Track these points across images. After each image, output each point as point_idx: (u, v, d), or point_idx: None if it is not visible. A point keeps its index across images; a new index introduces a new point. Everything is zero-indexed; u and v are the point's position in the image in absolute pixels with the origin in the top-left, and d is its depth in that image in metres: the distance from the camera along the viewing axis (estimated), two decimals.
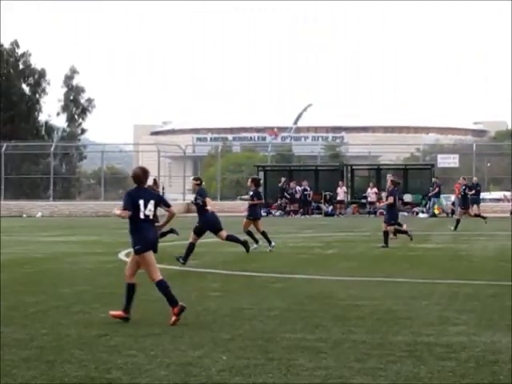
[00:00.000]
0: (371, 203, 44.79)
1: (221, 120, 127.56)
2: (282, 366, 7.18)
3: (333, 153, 71.79)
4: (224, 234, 17.90)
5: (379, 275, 14.31)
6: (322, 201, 46.11)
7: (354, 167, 51.33)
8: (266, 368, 7.10)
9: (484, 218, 30.20)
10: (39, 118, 72.92)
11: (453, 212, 40.82)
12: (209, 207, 17.48)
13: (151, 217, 9.74)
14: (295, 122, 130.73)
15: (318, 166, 53.39)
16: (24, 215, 45.39)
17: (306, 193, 45.86)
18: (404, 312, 10.18)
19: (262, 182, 46.99)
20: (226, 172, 63.13)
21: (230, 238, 18.34)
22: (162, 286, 9.71)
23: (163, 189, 56.13)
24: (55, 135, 73.20)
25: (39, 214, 44.63)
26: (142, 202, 9.65)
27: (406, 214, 44.37)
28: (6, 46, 70.97)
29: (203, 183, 18.35)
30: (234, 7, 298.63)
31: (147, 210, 9.66)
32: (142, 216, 9.63)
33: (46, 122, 73.18)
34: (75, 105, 75.08)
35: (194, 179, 18.29)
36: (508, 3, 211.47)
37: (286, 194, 46.38)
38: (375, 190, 45.21)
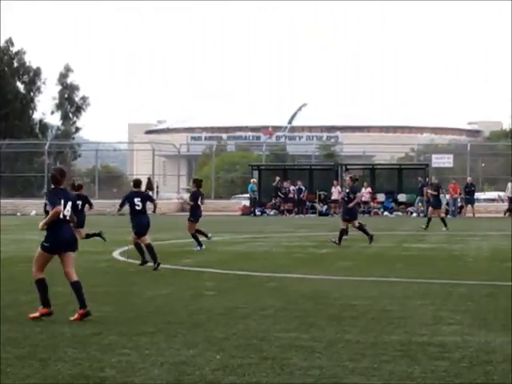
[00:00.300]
0: (365, 203, 44.79)
1: (215, 119, 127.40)
2: (275, 365, 7.18)
3: (327, 152, 71.72)
4: (147, 239, 16.21)
5: (374, 275, 14.32)
6: (317, 200, 46.11)
7: (348, 167, 51.34)
8: (260, 367, 7.10)
9: (445, 225, 28.45)
10: (33, 116, 72.81)
11: (447, 212, 40.82)
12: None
13: (68, 217, 9.81)
14: (290, 122, 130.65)
15: (312, 165, 53.39)
16: (18, 213, 45.33)
17: (301, 192, 45.87)
18: (398, 312, 10.19)
19: (256, 181, 47.24)
20: (220, 171, 63.08)
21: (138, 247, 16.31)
22: (76, 286, 9.76)
23: (157, 187, 56.12)
24: (49, 133, 73.11)
25: (33, 213, 44.49)
26: (62, 202, 9.72)
27: (400, 213, 44.46)
28: (1, 43, 70.85)
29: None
30: (230, 6, 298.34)
31: (65, 210, 9.75)
32: (61, 216, 9.68)
33: (41, 120, 73.09)
34: (70, 103, 75.00)
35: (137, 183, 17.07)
36: (507, 3, 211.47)
37: (279, 193, 46.37)
38: (369, 189, 45.23)
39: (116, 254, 18.59)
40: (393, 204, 45.77)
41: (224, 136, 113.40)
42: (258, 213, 45.15)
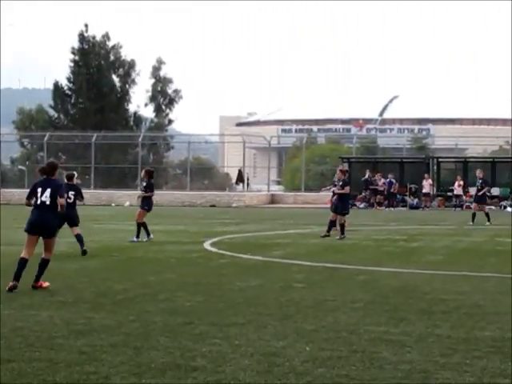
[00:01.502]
0: (457, 196, 44.13)
1: (306, 111, 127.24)
2: (365, 358, 7.16)
3: (419, 145, 70.86)
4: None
5: (465, 269, 14.12)
6: (408, 193, 45.65)
7: (440, 160, 50.63)
8: (350, 360, 7.10)
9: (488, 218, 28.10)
10: (128, 109, 74.06)
11: None
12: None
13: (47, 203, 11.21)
14: (381, 114, 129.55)
15: (403, 158, 52.82)
16: (113, 204, 46.22)
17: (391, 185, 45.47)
18: (491, 307, 10.03)
19: (347, 173, 46.94)
20: (310, 164, 62.97)
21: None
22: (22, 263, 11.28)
23: (248, 179, 56.42)
24: (143, 126, 74.23)
25: (127, 203, 45.31)
26: (39, 190, 11.27)
27: (493, 207, 43.63)
28: (98, 38, 72.26)
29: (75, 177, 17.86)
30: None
31: (43, 196, 11.22)
32: (38, 202, 11.23)
33: (135, 113, 74.29)
34: (163, 96, 75.97)
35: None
36: None
37: (370, 186, 46.07)
38: (462, 183, 44.51)
39: (207, 245, 18.80)
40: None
41: (314, 128, 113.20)
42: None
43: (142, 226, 19.91)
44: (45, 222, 11.31)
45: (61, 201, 11.29)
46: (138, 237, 19.77)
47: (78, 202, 17.20)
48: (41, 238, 11.51)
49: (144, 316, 9.20)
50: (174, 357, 7.17)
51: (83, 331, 8.27)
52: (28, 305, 9.95)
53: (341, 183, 21.65)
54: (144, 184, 20.71)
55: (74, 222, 16.90)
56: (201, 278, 12.82)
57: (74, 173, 18.16)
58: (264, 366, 6.88)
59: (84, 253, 16.33)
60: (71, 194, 16.82)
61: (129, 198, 47.63)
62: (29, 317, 9.08)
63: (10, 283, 11.11)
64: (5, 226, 26.41)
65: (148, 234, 19.87)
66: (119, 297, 10.70)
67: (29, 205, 11.54)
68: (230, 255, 16.55)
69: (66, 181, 17.11)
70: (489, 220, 27.76)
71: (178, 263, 15.08)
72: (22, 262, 11.28)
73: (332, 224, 21.45)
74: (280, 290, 11.41)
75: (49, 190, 11.28)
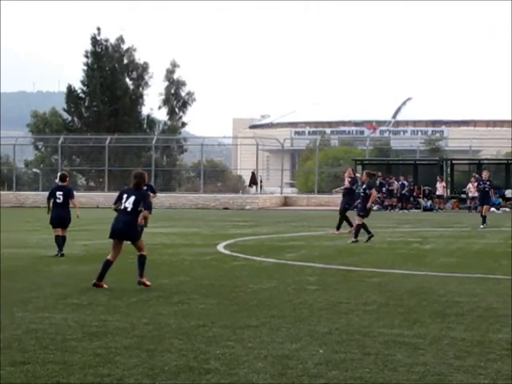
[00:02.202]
0: (473, 199, 44.00)
1: (319, 114, 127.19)
2: (379, 361, 7.16)
3: (432, 147, 70.70)
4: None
5: (479, 271, 14.08)
6: (421, 195, 45.56)
7: (453, 162, 50.51)
8: (363, 363, 7.09)
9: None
10: (142, 112, 74.22)
11: None
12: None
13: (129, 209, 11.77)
14: (394, 116, 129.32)
15: (416, 160, 52.72)
16: None
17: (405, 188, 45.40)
18: (505, 309, 9.99)
19: (359, 175, 46.83)
20: (323, 166, 62.93)
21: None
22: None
23: (261, 182, 56.42)
24: (157, 128, 74.37)
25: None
26: (125, 196, 11.87)
27: (507, 210, 43.45)
28: (112, 41, 72.46)
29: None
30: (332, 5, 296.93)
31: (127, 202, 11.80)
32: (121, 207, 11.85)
33: (148, 116, 74.43)
34: (176, 98, 76.09)
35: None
36: None
37: (383, 188, 46.01)
38: (476, 185, 44.34)
39: (220, 248, 18.81)
40: (500, 200, 44.76)
41: (327, 130, 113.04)
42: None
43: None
44: (125, 228, 11.84)
45: (145, 213, 12.12)
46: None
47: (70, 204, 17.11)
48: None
49: (158, 318, 9.22)
50: (188, 359, 7.19)
51: (97, 333, 8.30)
52: (42, 307, 9.99)
53: (364, 186, 21.63)
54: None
55: (64, 223, 16.87)
56: (214, 280, 12.83)
57: (66, 173, 18.20)
58: (277, 368, 6.89)
59: (62, 256, 16.47)
60: (59, 194, 16.82)
61: None
62: (43, 319, 9.11)
63: (95, 281, 11.71)
64: (18, 228, 26.54)
65: None
66: (133, 299, 10.72)
67: (116, 210, 12.09)
68: (244, 257, 16.56)
69: (59, 182, 17.16)
70: (484, 222, 27.39)
71: (192, 266, 15.10)
72: (107, 264, 11.86)
73: (359, 227, 21.15)
74: (293, 293, 11.41)
75: (132, 198, 11.85)
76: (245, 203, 47.62)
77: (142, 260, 11.95)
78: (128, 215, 11.82)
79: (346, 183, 24.92)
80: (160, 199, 48.36)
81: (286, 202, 51.12)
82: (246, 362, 7.09)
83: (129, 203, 11.82)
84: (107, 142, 53.41)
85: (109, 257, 12.01)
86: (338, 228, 24.01)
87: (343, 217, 24.08)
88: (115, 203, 12.14)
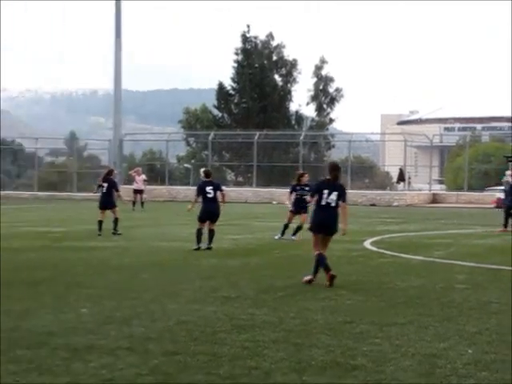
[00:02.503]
0: None
1: (469, 109, 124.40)
2: None
3: None
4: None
5: None
6: None
7: None
8: None
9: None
10: (290, 108, 74.67)
11: None
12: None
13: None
14: None
15: None
16: (274, 202, 46.75)
17: None
18: None
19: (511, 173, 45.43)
20: (473, 162, 61.47)
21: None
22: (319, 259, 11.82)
23: (409, 178, 55.70)
24: (304, 124, 74.64)
25: (275, 203, 45.81)
26: (326, 192, 11.88)
27: None
28: (262, 37, 73.24)
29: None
30: None
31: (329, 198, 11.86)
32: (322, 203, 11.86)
33: (297, 112, 74.81)
34: (324, 94, 76.11)
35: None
36: None
37: None
38: None
39: (367, 244, 18.74)
40: None
41: (478, 127, 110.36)
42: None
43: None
44: (330, 221, 11.91)
45: (342, 204, 11.95)
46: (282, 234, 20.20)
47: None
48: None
49: (305, 313, 9.29)
50: (335, 355, 7.21)
51: (245, 326, 8.45)
52: (192, 299, 10.25)
53: None
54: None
55: (213, 217, 17.27)
56: (362, 276, 12.80)
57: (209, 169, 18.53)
58: (425, 367, 6.81)
59: (209, 249, 16.96)
60: (209, 189, 17.12)
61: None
62: (193, 311, 9.35)
63: (309, 277, 11.77)
64: (169, 222, 27.31)
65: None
66: (280, 293, 10.84)
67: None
68: (391, 254, 16.44)
69: (204, 178, 17.49)
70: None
71: (339, 262, 15.07)
72: (321, 258, 11.78)
73: None
74: (441, 291, 11.24)
75: (335, 193, 11.88)
76: (392, 200, 47.17)
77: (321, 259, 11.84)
78: (332, 210, 11.85)
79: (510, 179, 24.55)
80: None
81: (435, 199, 50.29)
82: (393, 360, 7.05)
83: (331, 199, 11.82)
84: (256, 137, 54.06)
85: (317, 252, 11.85)
86: (505, 225, 23.66)
87: (508, 214, 23.85)
88: (312, 196, 12.26)
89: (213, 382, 6.31)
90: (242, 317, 9.01)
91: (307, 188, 19.31)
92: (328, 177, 12.13)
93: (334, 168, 12.19)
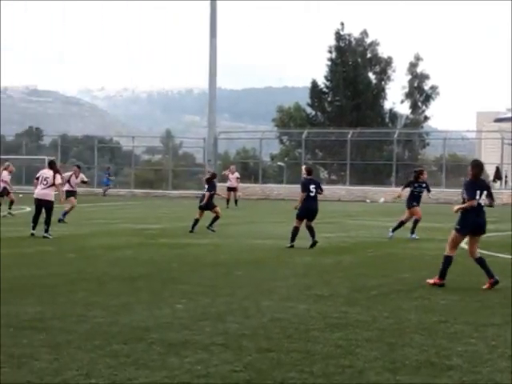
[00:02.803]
0: None
1: None
2: None
3: None
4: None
5: None
6: None
7: None
8: None
9: None
10: (384, 106, 74.06)
11: None
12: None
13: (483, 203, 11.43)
14: None
15: None
16: (368, 200, 46.46)
17: None
18: None
19: None
20: None
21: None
22: (479, 261, 11.61)
23: (506, 177, 54.56)
24: (399, 122, 73.92)
25: (382, 200, 45.37)
26: (478, 192, 11.38)
27: None
28: (356, 35, 72.86)
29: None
30: None
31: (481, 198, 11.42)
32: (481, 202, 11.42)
33: (391, 110, 74.14)
34: (419, 92, 75.21)
35: None
36: None
37: None
38: None
39: (463, 243, 18.40)
40: None
41: None
42: None
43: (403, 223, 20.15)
44: (485, 224, 11.58)
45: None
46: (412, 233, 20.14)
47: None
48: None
49: (398, 312, 9.24)
50: (429, 355, 7.16)
51: (338, 325, 8.45)
52: (286, 297, 10.30)
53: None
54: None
55: (313, 215, 17.30)
56: (456, 276, 12.60)
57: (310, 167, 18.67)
58: None
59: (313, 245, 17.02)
60: (312, 187, 17.17)
61: (384, 194, 47.73)
62: (287, 309, 9.40)
63: (436, 280, 11.39)
64: (262, 219, 27.45)
65: None
66: (373, 292, 10.80)
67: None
68: (486, 254, 16.13)
69: (306, 175, 17.51)
70: None
71: (433, 261, 14.90)
72: (448, 260, 11.53)
73: None
74: None
75: (485, 193, 11.50)
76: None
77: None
78: (483, 211, 11.52)
79: None
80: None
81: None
82: (489, 361, 6.95)
83: (482, 199, 11.48)
84: (349, 135, 53.80)
85: (451, 253, 11.59)
86: None
87: None
88: (473, 197, 11.39)
89: (306, 379, 6.34)
90: (335, 315, 9.01)
91: (424, 185, 20.21)
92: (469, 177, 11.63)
93: (477, 165, 11.79)
